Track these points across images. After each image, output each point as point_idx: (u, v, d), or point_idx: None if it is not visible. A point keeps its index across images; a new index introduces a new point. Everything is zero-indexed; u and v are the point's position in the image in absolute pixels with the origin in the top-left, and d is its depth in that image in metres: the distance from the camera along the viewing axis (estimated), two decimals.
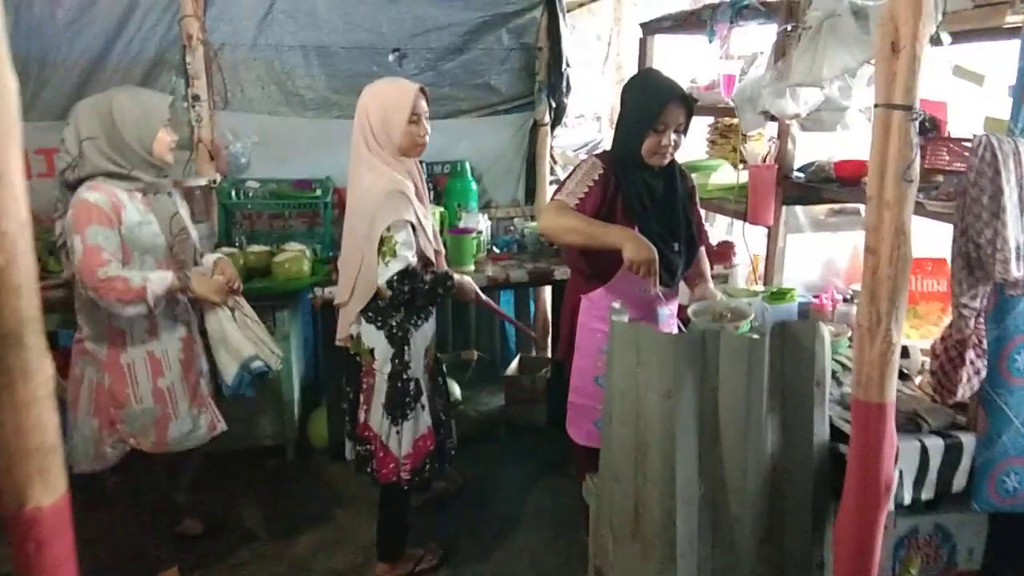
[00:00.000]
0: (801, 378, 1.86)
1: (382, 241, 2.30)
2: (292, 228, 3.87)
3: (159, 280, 2.24)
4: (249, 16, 3.69)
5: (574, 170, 2.35)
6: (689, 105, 2.26)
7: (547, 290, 4.29)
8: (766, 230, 2.95)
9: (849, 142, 2.76)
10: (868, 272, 1.68)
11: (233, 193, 3.65)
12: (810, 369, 1.85)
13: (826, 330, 1.85)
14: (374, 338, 2.45)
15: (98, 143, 2.22)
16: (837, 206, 3.00)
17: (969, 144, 2.09)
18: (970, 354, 1.74)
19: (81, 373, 2.35)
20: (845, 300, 2.80)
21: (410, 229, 2.36)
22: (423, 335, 2.51)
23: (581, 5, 5.10)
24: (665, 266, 2.28)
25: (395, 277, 2.30)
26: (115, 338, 2.31)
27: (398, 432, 2.46)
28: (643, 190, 2.26)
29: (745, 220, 2.98)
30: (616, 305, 2.10)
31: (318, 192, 3.74)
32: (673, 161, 2.34)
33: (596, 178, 2.26)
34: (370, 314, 2.44)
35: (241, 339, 2.48)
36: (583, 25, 5.03)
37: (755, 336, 1.85)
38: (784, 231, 2.92)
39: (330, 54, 3.83)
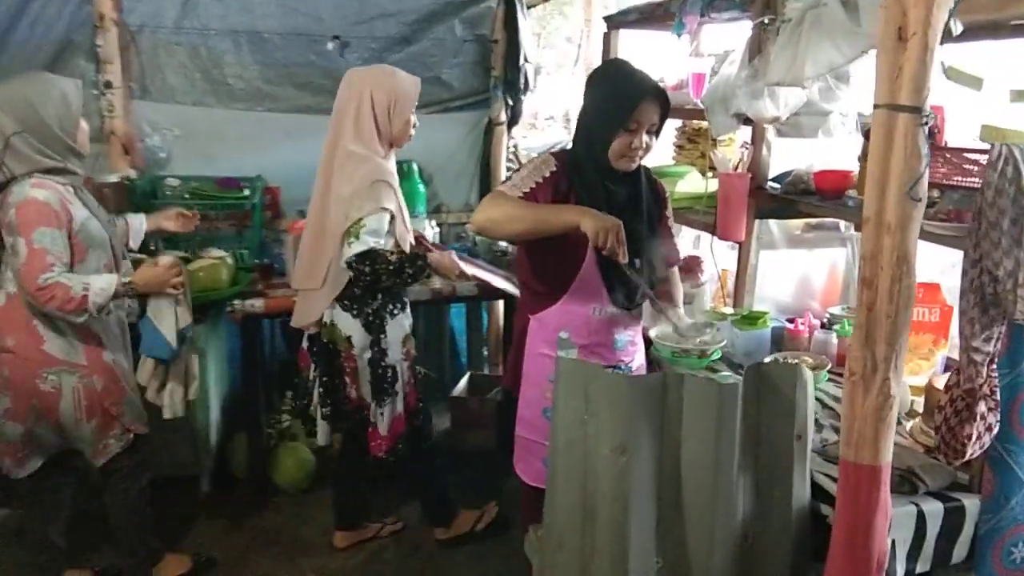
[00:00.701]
0: (779, 430, 1.56)
1: (351, 225, 2.30)
2: (220, 231, 3.50)
3: (102, 290, 2.16)
4: None
5: (522, 166, 2.06)
6: (665, 103, 1.98)
7: (501, 305, 3.97)
8: (736, 245, 2.66)
9: (831, 150, 2.48)
10: (863, 309, 1.38)
11: (149, 191, 3.27)
12: (790, 420, 1.56)
13: (809, 375, 1.55)
14: (350, 325, 2.45)
15: (26, 137, 2.10)
16: (814, 220, 2.72)
17: (973, 156, 1.82)
18: (981, 407, 1.46)
19: (56, 387, 2.21)
20: (823, 325, 2.52)
21: (387, 218, 2.36)
22: (399, 324, 2.52)
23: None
24: (623, 287, 1.99)
25: (354, 258, 2.30)
26: (90, 340, 2.26)
27: (382, 413, 2.50)
28: (601, 196, 1.97)
29: (714, 233, 2.68)
30: (564, 335, 1.79)
31: (246, 192, 3.39)
32: (640, 167, 2.04)
33: (547, 175, 1.98)
34: (345, 302, 2.44)
35: (185, 312, 2.47)
36: (554, 27, 4.87)
37: (726, 378, 1.54)
38: (756, 247, 2.64)
39: (263, 40, 3.49)
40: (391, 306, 2.50)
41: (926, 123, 1.29)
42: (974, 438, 1.46)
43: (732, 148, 2.98)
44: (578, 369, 1.60)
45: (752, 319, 2.42)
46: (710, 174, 2.93)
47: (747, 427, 1.54)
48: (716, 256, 2.79)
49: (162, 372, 2.44)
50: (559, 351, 1.74)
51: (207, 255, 2.99)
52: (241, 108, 3.54)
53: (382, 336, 2.46)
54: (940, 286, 2.13)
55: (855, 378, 1.40)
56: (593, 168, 1.97)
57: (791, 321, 2.53)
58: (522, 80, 3.75)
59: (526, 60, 3.74)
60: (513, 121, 3.87)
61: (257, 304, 2.95)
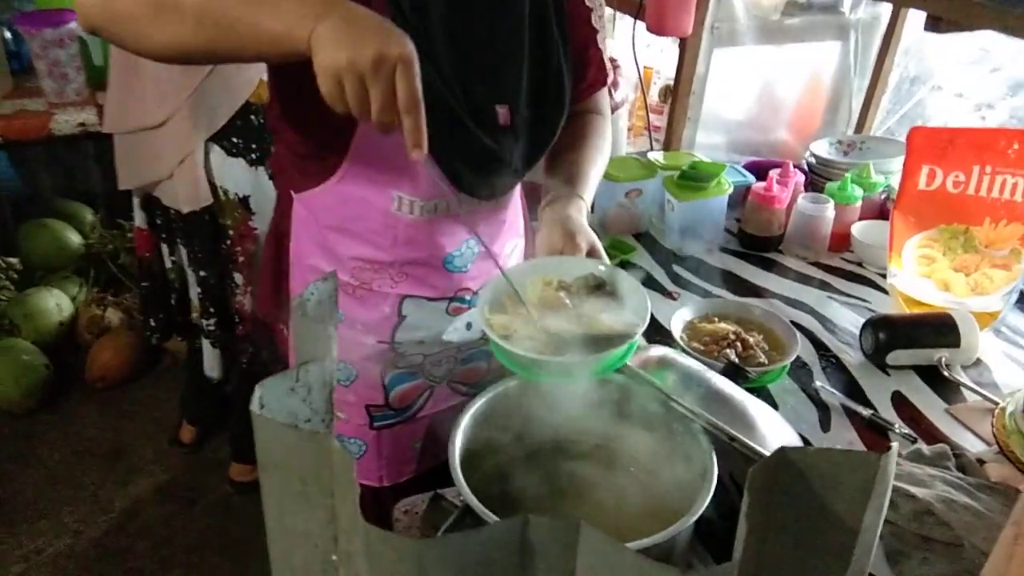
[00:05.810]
0: None
1: None
2: None
3: None
4: None
5: None
6: None
7: None
8: (677, 41, 1.60)
9: None
10: None
11: None
12: (839, 560, 0.62)
13: (892, 465, 0.60)
14: (243, 179, 1.63)
15: None
16: None
17: None
18: None
19: None
20: (808, 184, 1.56)
21: None
22: None
23: None
24: (473, 158, 0.97)
25: None
26: None
27: None
28: None
29: (636, 17, 1.61)
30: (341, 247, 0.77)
31: None
32: None
33: None
34: (233, 139, 1.60)
35: None
36: None
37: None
38: (709, 43, 1.58)
39: None
40: None
41: None
42: None
43: None
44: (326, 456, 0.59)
45: (697, 179, 1.42)
46: None
47: None
48: (636, 52, 1.72)
49: None
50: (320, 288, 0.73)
51: None
52: None
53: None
54: None
55: None
56: None
57: (757, 173, 1.55)
58: None
59: None
60: None
61: None
